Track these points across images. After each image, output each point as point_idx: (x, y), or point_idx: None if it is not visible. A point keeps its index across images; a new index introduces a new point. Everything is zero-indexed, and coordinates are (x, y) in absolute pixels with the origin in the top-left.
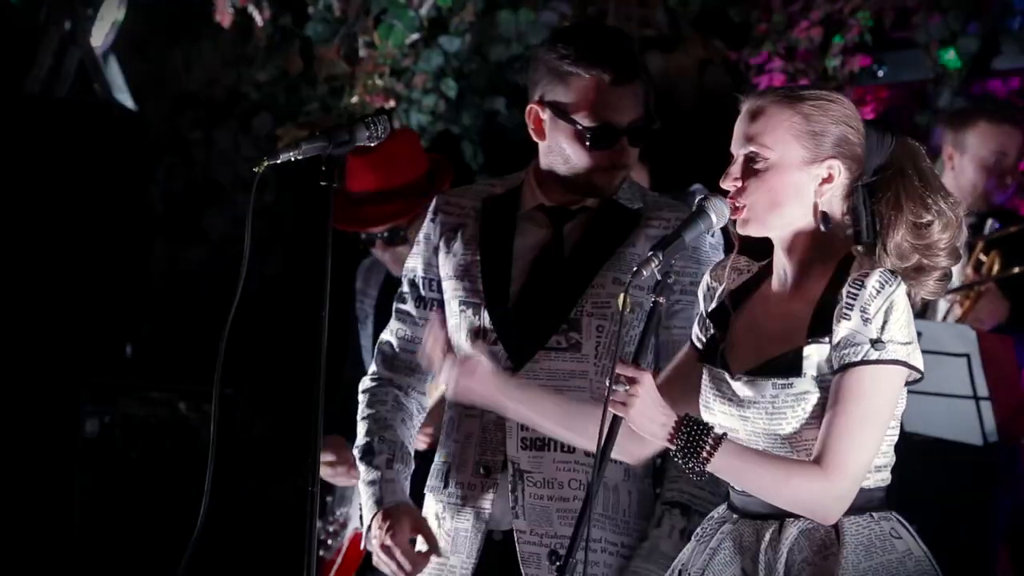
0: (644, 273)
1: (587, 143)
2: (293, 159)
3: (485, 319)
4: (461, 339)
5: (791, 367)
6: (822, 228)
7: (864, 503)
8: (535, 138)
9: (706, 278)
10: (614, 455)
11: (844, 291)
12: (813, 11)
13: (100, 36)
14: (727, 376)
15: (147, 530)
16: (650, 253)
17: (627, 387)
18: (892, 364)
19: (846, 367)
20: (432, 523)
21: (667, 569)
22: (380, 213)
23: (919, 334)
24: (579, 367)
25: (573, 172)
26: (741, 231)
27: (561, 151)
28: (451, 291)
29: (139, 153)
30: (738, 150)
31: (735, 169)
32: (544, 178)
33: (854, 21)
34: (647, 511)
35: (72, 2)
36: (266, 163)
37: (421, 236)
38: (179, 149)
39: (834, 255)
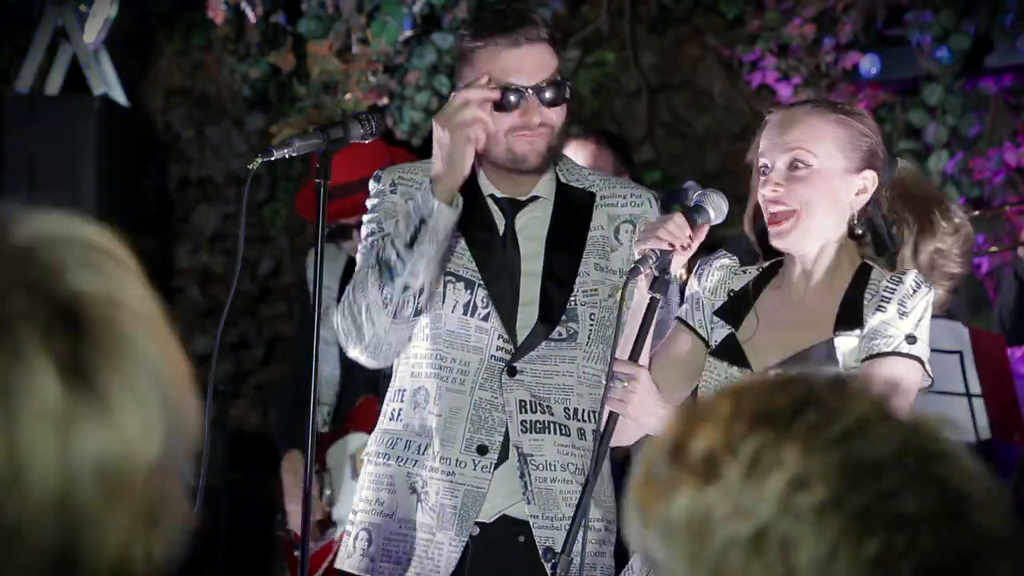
0: (642, 270)
1: (493, 107)
2: (287, 156)
3: (478, 296)
4: (441, 311)
5: (826, 358)
6: (851, 237)
7: None
8: None
9: (695, 278)
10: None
11: (881, 285)
12: (806, 8)
13: (93, 32)
14: (751, 373)
15: None
16: (648, 249)
17: (625, 383)
18: (916, 361)
19: (876, 355)
20: (407, 494)
21: None
22: (355, 203)
23: None
24: (571, 354)
25: (495, 143)
26: (783, 242)
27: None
28: None
29: (131, 149)
30: (777, 157)
31: (777, 175)
32: (485, 165)
33: (847, 18)
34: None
35: None
36: (260, 160)
37: (379, 209)
38: (171, 146)
39: (851, 259)
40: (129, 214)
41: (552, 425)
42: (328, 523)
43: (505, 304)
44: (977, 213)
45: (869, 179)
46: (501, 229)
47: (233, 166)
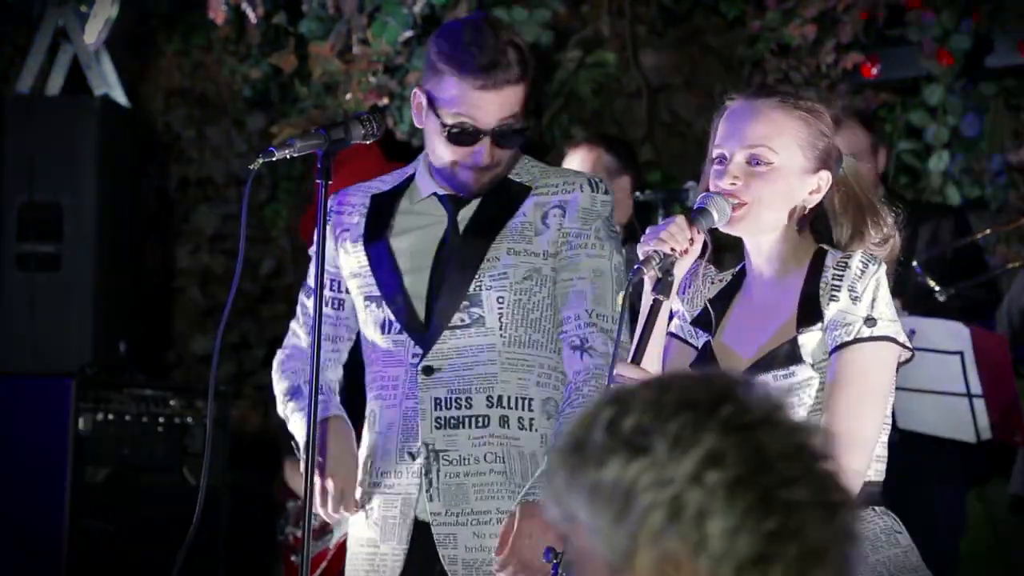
0: (646, 272)
1: (446, 138)
2: (288, 156)
3: (388, 312)
4: (372, 334)
5: (790, 356)
6: (798, 232)
7: (866, 497)
8: (415, 121)
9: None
10: None
11: (830, 273)
12: (807, 8)
13: (93, 32)
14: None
15: (140, 528)
16: (651, 251)
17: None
18: (884, 341)
19: (841, 347)
20: (361, 514)
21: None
22: None
23: (912, 332)
24: (486, 341)
25: (439, 164)
26: (732, 228)
27: (430, 141)
28: (355, 289)
29: (131, 150)
30: (737, 150)
31: (736, 168)
32: (431, 165)
33: (847, 18)
34: None
35: None
36: (261, 160)
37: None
38: (171, 146)
39: (807, 247)
40: (129, 214)
41: (467, 419)
42: (327, 528)
43: (406, 314)
44: (989, 231)
45: (824, 179)
46: (444, 226)
47: (233, 166)
